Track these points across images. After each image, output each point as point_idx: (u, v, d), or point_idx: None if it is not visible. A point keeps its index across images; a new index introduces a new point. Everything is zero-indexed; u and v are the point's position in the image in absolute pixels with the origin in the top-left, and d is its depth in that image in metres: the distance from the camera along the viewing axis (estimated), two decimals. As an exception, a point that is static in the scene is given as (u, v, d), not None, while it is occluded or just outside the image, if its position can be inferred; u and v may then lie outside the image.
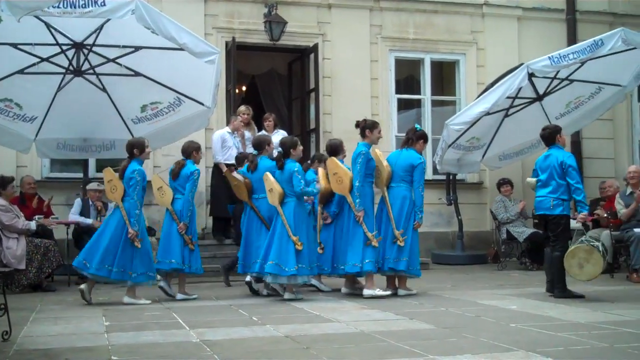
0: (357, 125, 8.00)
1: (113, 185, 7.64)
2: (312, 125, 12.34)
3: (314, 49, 12.20)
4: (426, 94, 12.94)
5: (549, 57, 9.90)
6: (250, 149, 10.30)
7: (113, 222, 7.54)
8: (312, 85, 12.35)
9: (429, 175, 12.65)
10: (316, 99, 12.21)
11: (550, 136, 7.78)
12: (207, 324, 6.01)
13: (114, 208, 7.74)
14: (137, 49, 9.14)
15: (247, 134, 10.75)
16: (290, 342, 5.17)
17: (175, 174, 8.00)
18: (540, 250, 10.76)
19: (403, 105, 13.16)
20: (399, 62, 12.90)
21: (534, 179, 7.76)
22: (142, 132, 9.77)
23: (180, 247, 7.83)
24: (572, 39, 12.97)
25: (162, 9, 10.05)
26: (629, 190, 9.74)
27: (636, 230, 9.14)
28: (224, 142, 10.45)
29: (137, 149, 7.69)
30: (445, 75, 13.60)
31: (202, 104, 9.60)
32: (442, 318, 6.26)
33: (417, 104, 13.17)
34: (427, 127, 12.74)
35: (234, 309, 6.96)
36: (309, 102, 12.55)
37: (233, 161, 9.82)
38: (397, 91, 12.85)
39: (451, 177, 12.03)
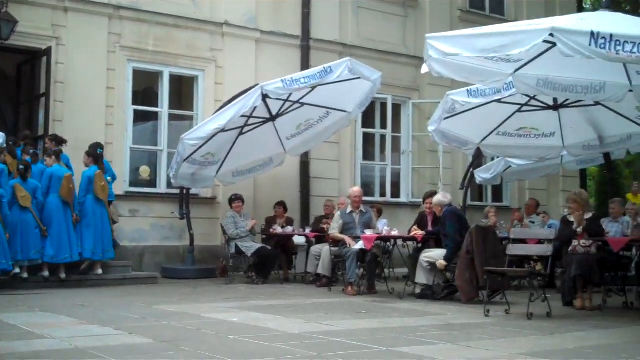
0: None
1: None
2: (41, 132, 11.69)
3: (47, 52, 11.61)
4: (164, 107, 12.85)
5: (282, 80, 10.38)
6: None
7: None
8: (42, 90, 11.72)
9: (162, 188, 12.64)
10: (46, 104, 11.60)
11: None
12: None
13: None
14: None
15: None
16: (-5, 361, 4.85)
17: None
18: (267, 264, 11.23)
19: (140, 117, 12.96)
20: (137, 73, 12.68)
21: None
22: None
23: None
24: (305, 65, 13.69)
25: None
26: (349, 209, 10.44)
27: (353, 246, 9.82)
28: None
29: None
30: (184, 90, 13.65)
31: None
32: (163, 332, 6.24)
33: (155, 116, 13.04)
34: (163, 140, 12.71)
35: (-64, 326, 6.37)
36: (39, 107, 11.89)
37: None
38: (134, 102, 12.62)
39: (185, 191, 12.05)
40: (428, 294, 9.22)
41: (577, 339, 6.12)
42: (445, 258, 8.94)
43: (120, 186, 11.91)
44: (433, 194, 10.25)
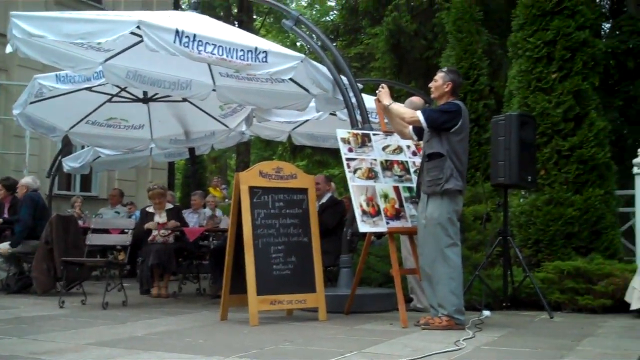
0: None
1: None
2: None
3: None
4: None
5: None
6: None
7: None
8: None
9: None
10: None
11: None
12: None
13: None
14: None
15: None
16: None
17: None
18: None
19: None
20: None
21: None
22: None
23: None
24: None
25: None
26: None
27: None
28: None
29: None
30: None
31: None
32: None
33: None
34: None
35: None
36: None
37: None
38: None
39: None
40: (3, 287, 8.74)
41: (147, 325, 6.30)
42: (12, 244, 8.53)
43: None
44: (6, 179, 9.78)
